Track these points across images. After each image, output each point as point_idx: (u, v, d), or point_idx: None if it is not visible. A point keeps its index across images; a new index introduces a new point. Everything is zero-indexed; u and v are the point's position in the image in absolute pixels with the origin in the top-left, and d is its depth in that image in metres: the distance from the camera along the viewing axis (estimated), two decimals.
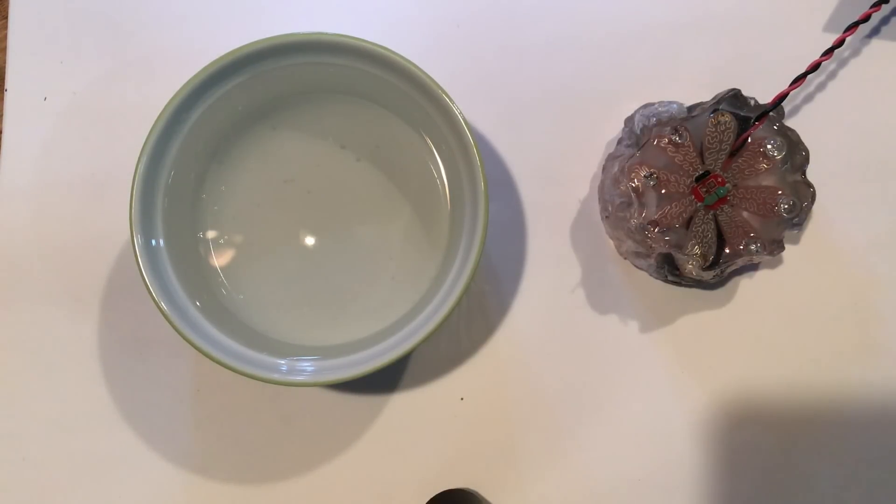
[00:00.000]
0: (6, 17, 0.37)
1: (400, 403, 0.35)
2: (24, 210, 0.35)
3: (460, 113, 0.29)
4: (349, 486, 0.34)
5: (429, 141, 0.33)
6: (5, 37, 0.37)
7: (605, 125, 0.36)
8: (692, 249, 0.31)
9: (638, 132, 0.33)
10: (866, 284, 0.35)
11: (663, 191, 0.31)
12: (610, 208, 0.34)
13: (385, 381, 0.35)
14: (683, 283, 0.35)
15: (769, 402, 0.35)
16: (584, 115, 0.36)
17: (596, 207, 0.36)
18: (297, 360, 0.30)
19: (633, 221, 0.32)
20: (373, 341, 0.31)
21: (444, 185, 0.33)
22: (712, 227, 0.32)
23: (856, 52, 0.36)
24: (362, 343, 0.31)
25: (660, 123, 0.32)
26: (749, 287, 0.35)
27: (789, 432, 0.35)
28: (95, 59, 0.36)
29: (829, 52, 0.33)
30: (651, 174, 0.31)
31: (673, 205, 0.31)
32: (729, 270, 0.34)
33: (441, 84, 0.29)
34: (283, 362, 0.30)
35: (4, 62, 0.36)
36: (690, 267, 0.32)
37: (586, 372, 0.35)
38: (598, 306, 0.35)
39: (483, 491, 0.34)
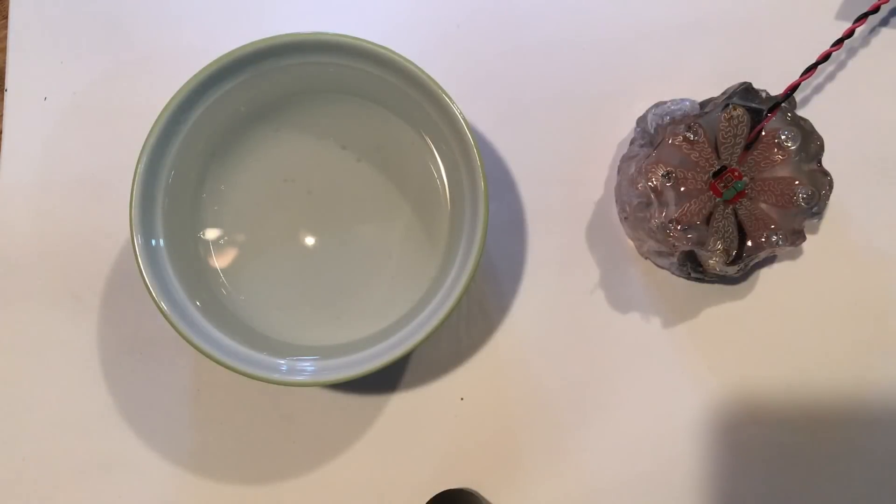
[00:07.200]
0: (6, 17, 0.37)
1: (400, 403, 0.35)
2: (24, 210, 0.35)
3: (460, 113, 0.29)
4: (349, 486, 0.34)
5: (429, 141, 0.33)
6: (5, 37, 0.37)
7: (613, 125, 0.36)
8: (714, 245, 0.31)
9: (652, 131, 0.33)
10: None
11: (682, 188, 0.31)
12: (628, 209, 0.34)
13: (385, 381, 0.35)
14: (707, 279, 0.35)
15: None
16: (587, 116, 0.36)
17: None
18: (297, 360, 0.30)
19: (654, 221, 0.32)
20: (373, 341, 0.31)
21: (444, 185, 0.33)
22: (732, 221, 0.32)
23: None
24: (362, 343, 0.31)
25: (673, 122, 0.32)
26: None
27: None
28: (95, 59, 0.36)
29: (839, 43, 0.33)
30: (668, 173, 0.31)
31: (692, 202, 0.31)
32: (752, 263, 0.34)
33: (441, 84, 0.29)
34: (283, 362, 0.30)
35: (4, 62, 0.36)
36: (713, 262, 0.31)
37: (587, 372, 0.35)
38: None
39: (483, 491, 0.34)
